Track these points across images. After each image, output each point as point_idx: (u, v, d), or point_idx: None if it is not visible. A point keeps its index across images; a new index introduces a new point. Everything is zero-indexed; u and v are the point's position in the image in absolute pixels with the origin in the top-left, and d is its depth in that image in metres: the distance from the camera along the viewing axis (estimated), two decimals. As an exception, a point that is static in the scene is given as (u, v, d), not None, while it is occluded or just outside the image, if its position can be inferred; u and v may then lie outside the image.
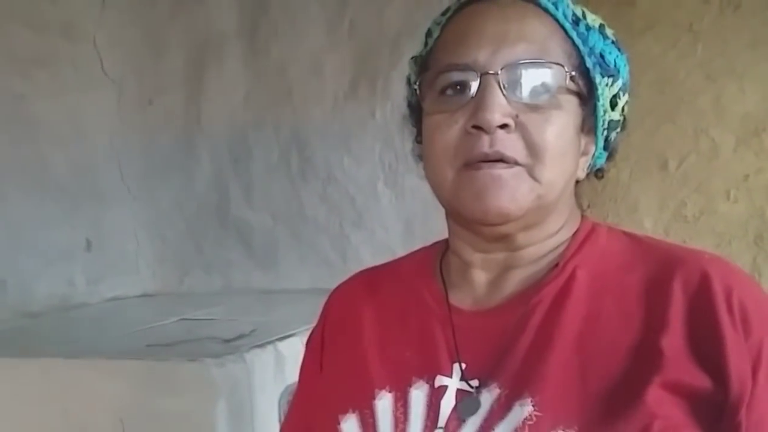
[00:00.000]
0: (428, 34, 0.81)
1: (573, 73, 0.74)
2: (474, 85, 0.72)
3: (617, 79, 0.78)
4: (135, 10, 2.32)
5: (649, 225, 1.75)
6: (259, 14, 2.19)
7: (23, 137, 2.08)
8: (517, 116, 0.71)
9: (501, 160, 0.71)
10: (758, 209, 1.67)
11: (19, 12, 2.09)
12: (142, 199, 2.32)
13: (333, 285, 0.92)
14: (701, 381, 0.67)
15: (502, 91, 0.71)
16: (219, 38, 2.24)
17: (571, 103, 0.74)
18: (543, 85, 0.72)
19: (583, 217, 0.82)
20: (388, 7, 1.92)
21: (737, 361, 0.67)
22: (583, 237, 0.79)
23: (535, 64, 0.72)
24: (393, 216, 2.04)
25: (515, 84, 0.72)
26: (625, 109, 0.81)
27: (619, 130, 0.82)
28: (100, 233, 2.23)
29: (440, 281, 0.83)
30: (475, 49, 0.73)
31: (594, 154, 0.80)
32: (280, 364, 1.42)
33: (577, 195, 0.82)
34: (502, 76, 0.71)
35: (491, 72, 0.71)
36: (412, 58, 0.83)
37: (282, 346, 1.46)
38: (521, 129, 0.72)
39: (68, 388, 1.38)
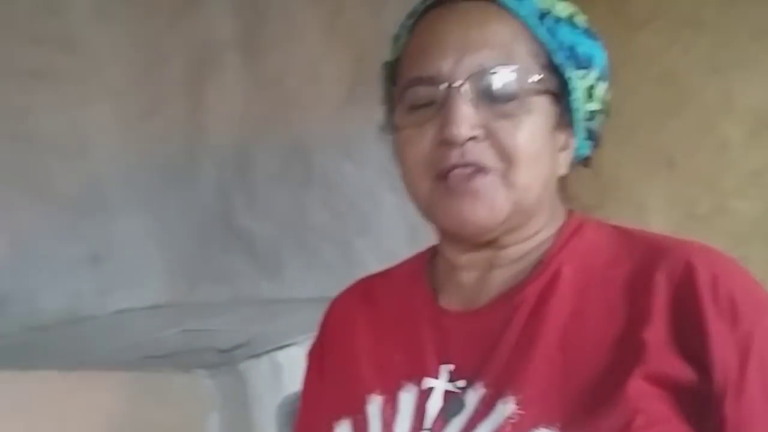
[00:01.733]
0: (396, 38, 0.81)
1: (540, 75, 0.73)
2: (439, 98, 0.72)
3: (591, 70, 0.77)
4: (134, 22, 2.32)
5: (659, 225, 1.70)
6: (255, 22, 2.18)
7: (26, 151, 2.09)
8: (486, 125, 0.71)
9: (475, 167, 0.71)
10: (772, 205, 1.62)
11: (19, 25, 2.10)
12: (147, 211, 2.31)
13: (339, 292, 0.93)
14: (685, 373, 0.66)
15: (468, 102, 0.71)
16: (217, 48, 2.24)
17: (542, 103, 0.74)
18: (510, 91, 0.72)
19: (570, 212, 0.82)
20: (383, 10, 1.90)
21: (722, 352, 0.66)
22: (570, 233, 0.79)
23: (498, 71, 0.71)
24: (397, 221, 2.01)
25: (481, 93, 0.71)
26: (606, 96, 0.80)
27: (602, 116, 0.81)
28: (107, 245, 2.23)
29: (430, 284, 0.84)
30: (439, 59, 0.73)
31: (575, 146, 0.79)
32: (277, 374, 1.40)
33: (564, 190, 0.81)
34: (467, 86, 0.71)
35: (455, 84, 0.71)
36: (383, 63, 0.83)
37: (280, 355, 1.43)
38: (491, 137, 0.72)
39: (65, 401, 1.38)
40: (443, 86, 0.72)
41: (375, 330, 0.85)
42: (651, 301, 0.69)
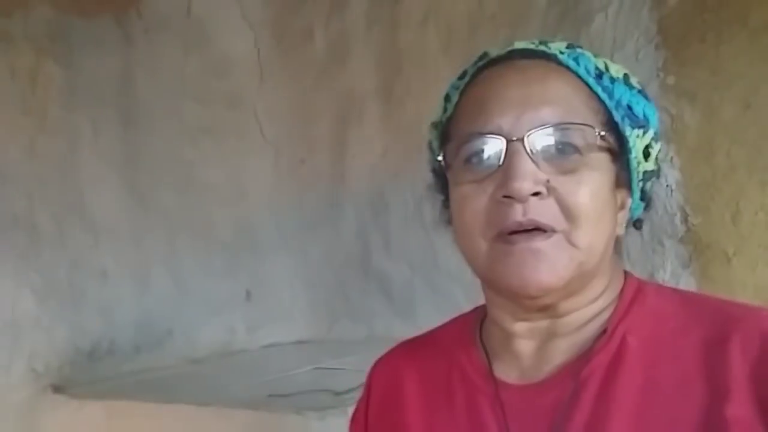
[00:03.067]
0: (446, 98, 0.80)
1: (602, 133, 0.71)
2: (501, 153, 0.70)
3: (648, 130, 0.75)
4: (288, 80, 2.52)
5: None
6: (394, 74, 2.28)
7: (191, 199, 2.34)
8: (548, 181, 0.69)
9: (537, 228, 0.69)
10: None
11: (189, 88, 2.37)
12: (295, 252, 2.48)
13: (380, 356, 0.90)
14: None
15: (530, 157, 0.69)
16: (360, 99, 2.37)
17: (603, 160, 0.71)
18: (572, 147, 0.70)
19: (627, 275, 0.78)
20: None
21: None
22: (630, 298, 0.75)
23: (561, 126, 0.69)
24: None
25: (543, 149, 0.69)
26: (659, 157, 0.78)
27: (654, 179, 0.78)
28: (259, 284, 2.43)
29: (482, 351, 0.79)
30: (498, 115, 0.71)
31: (631, 207, 0.77)
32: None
33: (619, 251, 0.78)
34: (529, 142, 0.69)
35: (517, 138, 0.69)
36: (432, 123, 0.82)
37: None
38: (554, 193, 0.69)
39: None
40: (504, 142, 0.69)
41: (427, 400, 0.80)
42: (729, 375, 0.65)
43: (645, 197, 0.78)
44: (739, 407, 0.64)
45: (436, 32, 2.16)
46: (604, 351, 0.71)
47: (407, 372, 0.84)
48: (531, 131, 0.69)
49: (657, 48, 1.61)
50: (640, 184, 0.76)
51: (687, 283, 1.56)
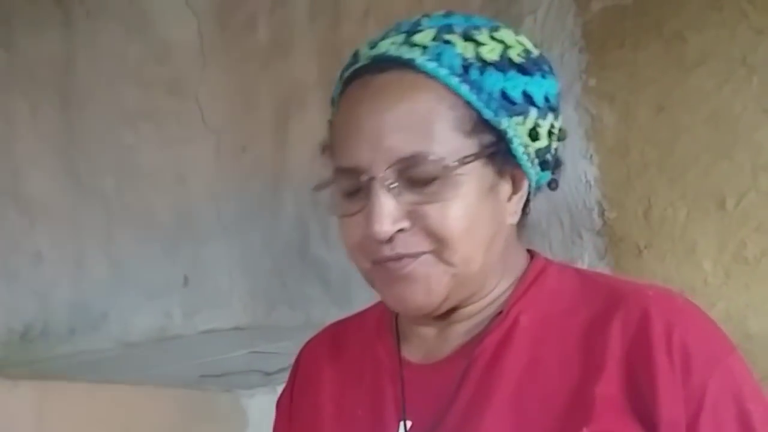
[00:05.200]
0: (332, 102, 0.79)
1: (462, 154, 0.69)
2: (363, 191, 0.70)
3: (529, 112, 0.71)
4: (231, 68, 2.54)
5: (709, 267, 1.67)
6: (335, 65, 2.32)
7: (131, 184, 2.34)
8: (411, 212, 0.69)
9: (405, 257, 0.70)
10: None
11: (130, 72, 2.37)
12: (234, 239, 2.51)
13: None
14: (634, 430, 0.65)
15: (390, 193, 0.69)
16: (302, 89, 2.41)
17: (473, 169, 0.70)
18: (431, 174, 0.68)
19: (533, 256, 0.79)
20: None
21: (671, 409, 0.64)
22: (531, 280, 0.76)
23: (415, 159, 0.68)
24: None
25: (402, 181, 0.69)
26: (553, 128, 0.74)
27: (554, 145, 0.75)
28: (197, 269, 2.45)
29: (395, 334, 0.81)
30: (356, 149, 0.70)
31: (533, 180, 0.75)
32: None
33: (521, 234, 0.79)
34: (387, 177, 0.68)
35: (375, 176, 0.68)
36: (321, 143, 0.80)
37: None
38: (419, 222, 0.69)
39: (129, 413, 1.55)
40: (363, 178, 0.69)
41: (340, 381, 0.82)
42: (605, 354, 0.67)
43: (547, 165, 0.75)
44: (608, 384, 0.66)
45: (376, 26, 2.21)
46: (496, 330, 0.74)
47: (328, 354, 0.86)
48: (387, 168, 0.68)
49: (581, 52, 1.71)
50: (536, 161, 0.73)
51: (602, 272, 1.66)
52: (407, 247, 0.69)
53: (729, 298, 1.60)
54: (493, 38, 0.72)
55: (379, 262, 0.71)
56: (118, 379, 1.68)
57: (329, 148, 0.76)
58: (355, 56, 0.76)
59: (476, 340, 0.75)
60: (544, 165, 0.75)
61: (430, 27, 0.73)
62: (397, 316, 0.82)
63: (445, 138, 0.69)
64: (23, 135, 2.11)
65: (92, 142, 2.25)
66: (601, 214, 1.69)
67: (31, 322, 2.05)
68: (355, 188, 0.70)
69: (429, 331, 0.78)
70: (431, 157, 0.68)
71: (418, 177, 0.68)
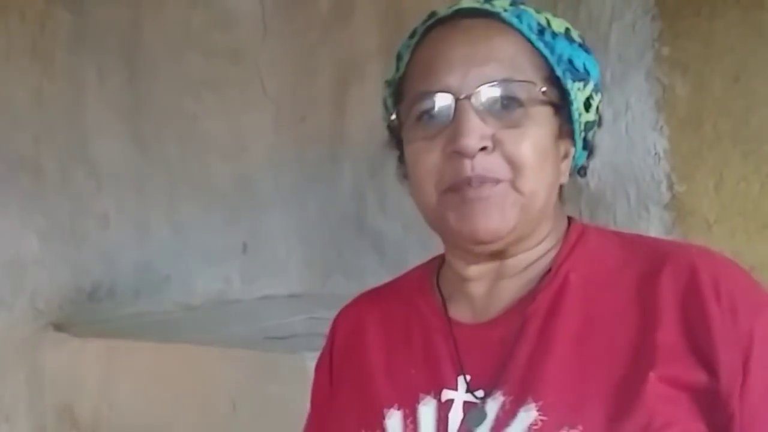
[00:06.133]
0: (398, 57, 0.84)
1: (544, 88, 0.76)
2: (450, 111, 0.74)
3: (588, 82, 0.79)
4: (291, 36, 2.55)
5: (781, 242, 1.62)
6: (396, 33, 2.31)
7: (192, 151, 2.39)
8: (494, 135, 0.74)
9: (484, 180, 0.74)
10: None
11: (192, 40, 2.40)
12: (292, 207, 2.54)
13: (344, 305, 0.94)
14: (697, 374, 0.69)
15: (477, 114, 0.74)
16: (362, 58, 2.40)
17: (545, 113, 0.76)
18: (516, 101, 0.75)
19: (571, 220, 0.84)
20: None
21: (727, 352, 0.69)
22: (574, 241, 0.81)
23: (505, 83, 0.74)
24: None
25: (489, 105, 0.74)
26: (599, 108, 0.82)
27: (595, 128, 0.83)
28: (255, 237, 2.49)
29: (438, 296, 0.84)
30: (446, 74, 0.75)
31: (575, 156, 0.82)
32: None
33: (562, 199, 0.84)
34: (475, 99, 0.74)
35: (464, 96, 0.74)
36: (385, 81, 0.86)
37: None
38: (500, 147, 0.74)
39: (194, 371, 1.59)
40: (452, 99, 0.74)
41: (387, 343, 0.85)
42: (660, 305, 0.72)
43: (587, 146, 0.84)
44: (668, 332, 0.71)
45: (440, -4, 2.19)
46: (548, 288, 0.78)
47: (369, 318, 0.89)
48: (477, 88, 0.74)
49: (653, 19, 1.66)
50: (582, 134, 0.81)
51: (669, 247, 1.63)
52: (487, 169, 0.74)
53: (802, 275, 1.56)
54: (555, 17, 0.81)
55: (455, 187, 0.74)
56: (183, 339, 1.72)
57: (396, 83, 0.82)
58: (433, 14, 0.81)
59: (528, 298, 0.78)
60: (585, 143, 0.82)
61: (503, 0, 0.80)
62: (438, 278, 0.87)
63: (528, 74, 0.76)
64: (91, 100, 2.16)
65: (156, 108, 2.29)
66: (670, 187, 1.65)
67: (98, 282, 2.11)
68: (437, 112, 0.75)
69: (478, 290, 0.81)
70: (517, 84, 0.74)
71: (503, 103, 0.74)
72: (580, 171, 0.85)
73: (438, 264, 0.89)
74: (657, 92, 1.64)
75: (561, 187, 0.82)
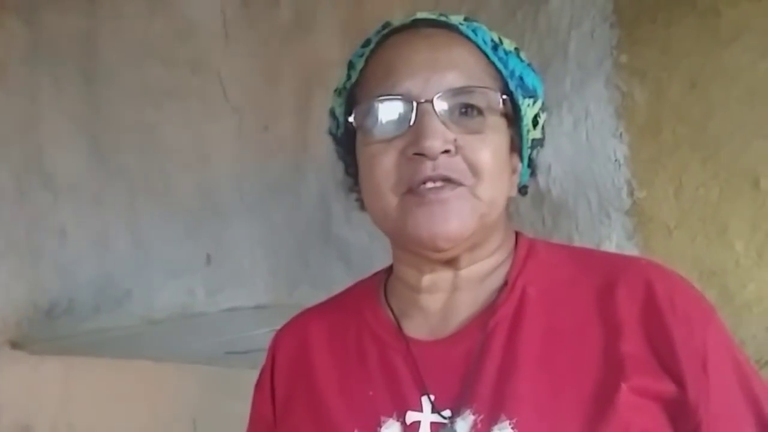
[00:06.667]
0: (350, 66, 0.84)
1: (504, 97, 0.77)
2: (411, 115, 0.74)
3: (537, 100, 0.81)
4: (253, 45, 2.53)
5: (741, 248, 1.63)
6: (358, 43, 2.30)
7: (154, 162, 2.35)
8: (455, 140, 0.74)
9: (446, 180, 0.73)
10: None
11: (152, 50, 2.37)
12: (257, 217, 2.51)
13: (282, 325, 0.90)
14: (665, 384, 0.70)
15: (439, 118, 0.74)
16: (324, 67, 2.38)
17: (502, 124, 0.78)
18: (476, 108, 0.75)
19: (518, 234, 0.84)
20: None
21: (689, 362, 0.70)
22: (525, 254, 0.81)
23: (466, 89, 0.75)
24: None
25: (450, 110, 0.74)
26: (545, 127, 0.84)
27: (539, 148, 0.85)
28: (220, 248, 2.45)
29: (389, 312, 0.82)
30: (407, 78, 0.75)
31: (520, 173, 0.83)
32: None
33: (509, 213, 0.84)
34: (438, 104, 0.74)
35: (426, 100, 0.74)
36: (335, 90, 0.86)
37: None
38: (461, 151, 0.74)
39: (153, 388, 1.56)
40: (414, 104, 0.74)
41: (338, 361, 0.82)
42: (620, 318, 0.73)
43: (531, 165, 0.85)
44: (631, 344, 0.71)
45: (401, 4, 2.18)
46: (507, 302, 0.77)
47: (315, 334, 0.85)
48: (439, 93, 0.74)
49: (612, 27, 1.66)
50: (529, 151, 0.82)
51: (631, 253, 1.64)
52: (449, 170, 0.73)
53: (761, 279, 1.57)
54: (505, 38, 0.82)
55: (415, 189, 0.73)
56: (143, 356, 1.69)
57: (351, 89, 0.82)
58: (387, 24, 0.82)
59: (486, 312, 0.77)
60: (530, 161, 0.83)
61: (457, 15, 0.82)
62: (386, 293, 0.84)
63: (487, 84, 0.77)
64: (47, 112, 2.11)
65: (116, 119, 2.25)
66: (631, 193, 1.66)
67: (56, 298, 2.06)
68: (396, 116, 0.75)
69: (433, 303, 0.80)
70: (479, 91, 0.75)
71: (463, 111, 0.75)
72: (521, 190, 0.85)
73: (383, 278, 0.87)
74: (616, 99, 1.65)
75: (509, 202, 0.82)
